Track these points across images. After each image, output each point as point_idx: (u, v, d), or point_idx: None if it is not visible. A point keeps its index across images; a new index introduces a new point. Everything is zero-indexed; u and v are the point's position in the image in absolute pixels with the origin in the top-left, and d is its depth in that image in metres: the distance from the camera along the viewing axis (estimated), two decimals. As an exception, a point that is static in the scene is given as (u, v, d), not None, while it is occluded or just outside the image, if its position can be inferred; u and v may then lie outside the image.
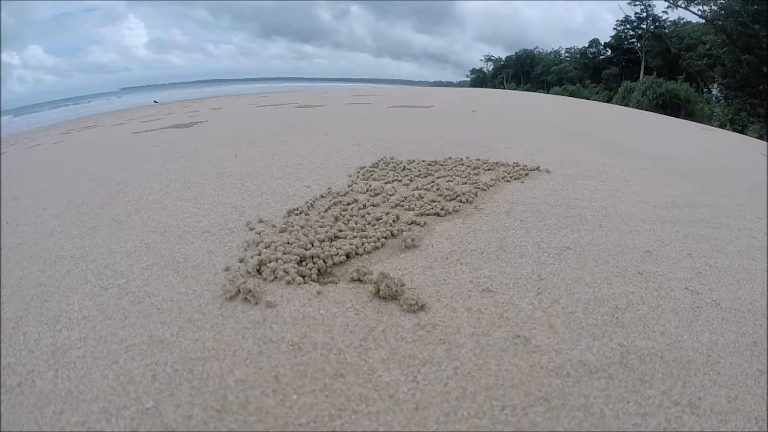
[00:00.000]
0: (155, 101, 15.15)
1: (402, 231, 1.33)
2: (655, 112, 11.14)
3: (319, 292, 1.01)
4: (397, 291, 0.97)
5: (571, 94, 20.72)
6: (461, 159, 2.27)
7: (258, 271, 1.10)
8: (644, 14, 24.35)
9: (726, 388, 0.75)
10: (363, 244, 1.23)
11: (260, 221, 1.46)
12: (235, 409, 0.69)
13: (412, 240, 1.25)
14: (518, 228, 1.40)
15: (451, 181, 1.89)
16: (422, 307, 0.95)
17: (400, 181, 1.90)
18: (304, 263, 1.13)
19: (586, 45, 29.39)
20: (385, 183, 1.88)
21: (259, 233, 1.35)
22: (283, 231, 1.35)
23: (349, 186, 1.84)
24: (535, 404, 0.70)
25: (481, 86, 35.45)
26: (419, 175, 1.97)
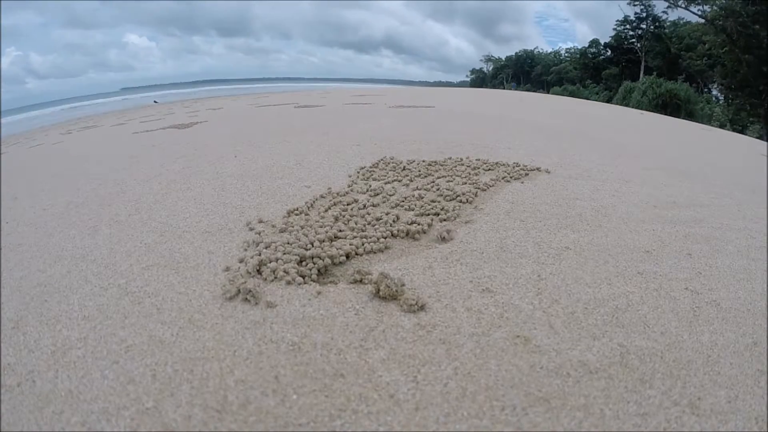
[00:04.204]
0: (155, 101, 15.15)
1: (401, 230, 1.33)
2: (655, 112, 11.14)
3: (319, 293, 1.01)
4: (397, 291, 0.97)
5: (571, 95, 20.75)
6: (461, 159, 2.27)
7: (258, 271, 1.10)
8: (644, 14, 24.36)
9: (726, 388, 0.75)
10: (363, 244, 1.23)
11: (260, 221, 1.46)
12: (235, 409, 0.69)
13: (448, 233, 1.31)
14: (518, 228, 1.40)
15: (451, 181, 1.89)
16: (422, 307, 0.95)
17: (400, 181, 1.90)
18: (304, 263, 1.13)
19: (587, 45, 29.45)
20: (385, 183, 1.88)
21: (259, 233, 1.35)
22: (283, 231, 1.35)
23: (349, 186, 1.84)
24: (535, 404, 0.70)
25: (481, 86, 35.52)
26: (419, 175, 1.97)
